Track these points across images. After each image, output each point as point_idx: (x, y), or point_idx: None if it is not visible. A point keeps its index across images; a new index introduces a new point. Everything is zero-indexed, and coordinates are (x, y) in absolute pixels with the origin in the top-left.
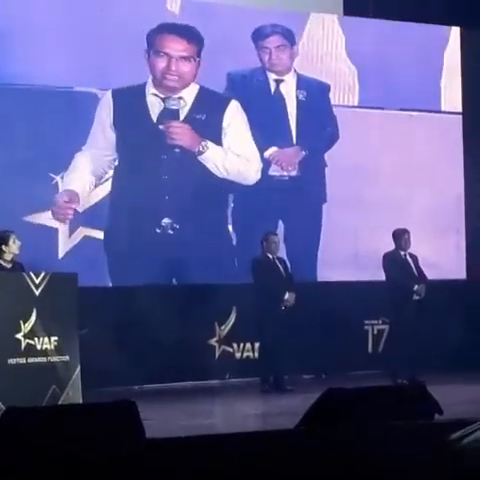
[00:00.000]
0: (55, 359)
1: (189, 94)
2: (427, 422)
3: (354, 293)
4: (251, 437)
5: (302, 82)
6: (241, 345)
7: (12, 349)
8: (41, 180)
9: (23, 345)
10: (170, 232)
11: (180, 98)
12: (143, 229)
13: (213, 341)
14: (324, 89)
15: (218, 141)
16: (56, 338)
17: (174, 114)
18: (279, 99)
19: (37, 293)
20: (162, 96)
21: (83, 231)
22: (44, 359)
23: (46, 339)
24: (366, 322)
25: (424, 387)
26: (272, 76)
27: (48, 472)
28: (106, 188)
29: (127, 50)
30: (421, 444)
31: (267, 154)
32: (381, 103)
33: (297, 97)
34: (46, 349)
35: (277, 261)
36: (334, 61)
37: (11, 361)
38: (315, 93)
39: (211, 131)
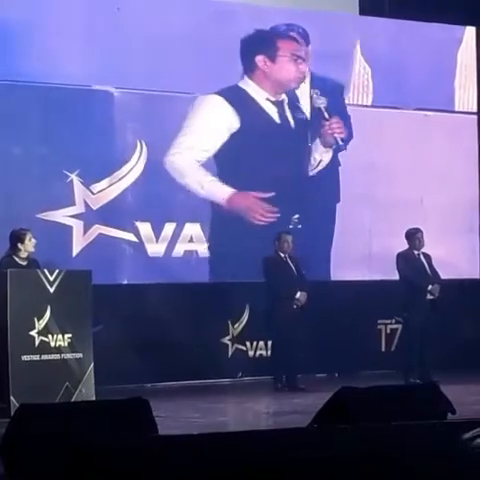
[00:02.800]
0: (68, 356)
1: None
2: (440, 421)
3: (367, 292)
4: (263, 435)
5: (316, 81)
6: (254, 343)
7: (26, 346)
8: (56, 177)
9: (37, 342)
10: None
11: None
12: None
13: (226, 339)
14: (338, 88)
15: None
16: (70, 335)
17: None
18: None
19: (51, 290)
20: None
21: (98, 229)
22: (58, 356)
23: (60, 336)
24: (379, 321)
25: (437, 386)
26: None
27: (61, 468)
28: (120, 186)
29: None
30: (434, 443)
31: None
32: (396, 103)
33: (311, 97)
34: (60, 346)
35: (289, 260)
36: (348, 60)
37: (25, 358)
38: (329, 92)
39: None
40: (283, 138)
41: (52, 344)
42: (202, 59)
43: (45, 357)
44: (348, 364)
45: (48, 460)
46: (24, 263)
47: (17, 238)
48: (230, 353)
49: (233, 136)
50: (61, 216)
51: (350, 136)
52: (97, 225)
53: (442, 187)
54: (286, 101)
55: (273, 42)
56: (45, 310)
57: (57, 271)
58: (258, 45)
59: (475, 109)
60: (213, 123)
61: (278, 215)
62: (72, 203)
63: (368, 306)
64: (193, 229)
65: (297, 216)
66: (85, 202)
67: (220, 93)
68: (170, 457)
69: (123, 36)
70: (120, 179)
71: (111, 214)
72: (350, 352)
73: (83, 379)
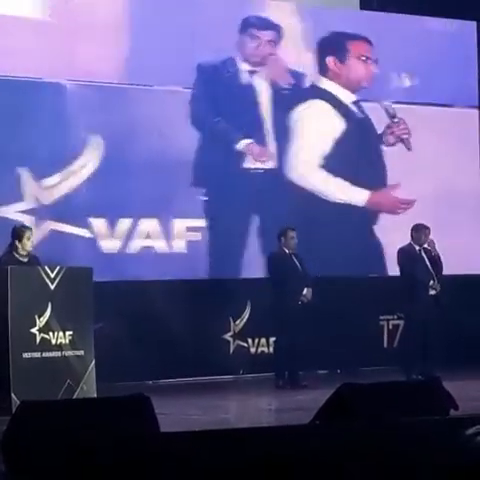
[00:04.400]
0: (70, 353)
1: None
2: (442, 417)
3: (369, 288)
4: (265, 432)
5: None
6: (256, 340)
7: (27, 343)
8: (5, 172)
9: (38, 339)
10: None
11: None
12: None
13: (228, 336)
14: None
15: None
16: (71, 332)
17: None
18: (253, 90)
19: (52, 287)
20: None
21: (50, 224)
22: (59, 353)
23: (61, 333)
24: (381, 317)
25: (439, 382)
26: (245, 67)
27: (62, 465)
28: (73, 181)
29: None
30: (436, 439)
31: (241, 146)
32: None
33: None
34: (61, 343)
35: (294, 257)
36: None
37: (26, 355)
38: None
39: None
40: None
41: (53, 341)
42: None
43: (46, 354)
44: (350, 360)
45: (49, 457)
46: (25, 260)
47: (16, 235)
48: (232, 350)
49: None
50: (13, 212)
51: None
52: (49, 221)
53: (444, 181)
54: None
55: (343, 44)
56: (46, 307)
57: (58, 268)
58: (329, 47)
59: (478, 104)
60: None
61: None
62: (22, 198)
63: (370, 302)
64: (150, 225)
65: None
66: (36, 197)
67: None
68: (172, 454)
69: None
70: (73, 174)
71: (64, 210)
72: (352, 348)
73: (84, 376)
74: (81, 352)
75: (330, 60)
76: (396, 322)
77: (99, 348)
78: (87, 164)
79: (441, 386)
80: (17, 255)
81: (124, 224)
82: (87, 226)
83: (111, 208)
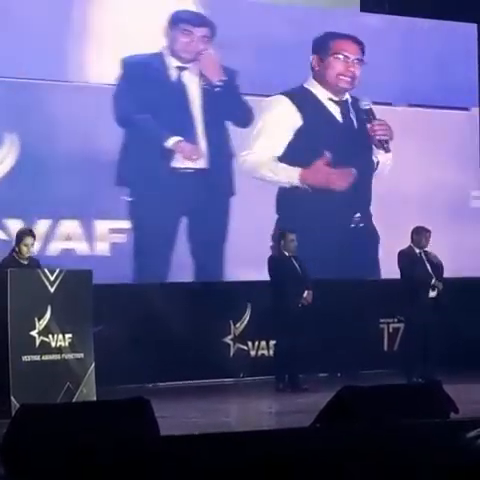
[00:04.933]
0: (69, 356)
1: None
2: (442, 420)
3: (369, 291)
4: (266, 435)
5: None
6: (256, 343)
7: (26, 346)
8: None
9: (37, 342)
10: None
11: None
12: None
13: (228, 339)
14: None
15: None
16: (70, 335)
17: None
18: (183, 87)
19: (52, 290)
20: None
21: None
22: (58, 356)
23: (60, 336)
24: (381, 320)
25: (440, 386)
26: (175, 62)
27: (62, 468)
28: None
29: None
30: (436, 442)
31: (169, 144)
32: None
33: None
34: (60, 346)
35: (293, 259)
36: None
37: (25, 358)
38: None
39: None
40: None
41: (53, 344)
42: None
43: (46, 357)
44: (350, 363)
45: (49, 460)
46: (25, 262)
47: (19, 238)
48: (232, 353)
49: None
50: None
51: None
52: None
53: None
54: (350, 101)
55: (326, 42)
56: (46, 310)
57: (58, 270)
58: (314, 45)
59: (478, 105)
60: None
61: None
62: None
63: (370, 305)
64: (70, 226)
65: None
66: None
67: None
68: (172, 457)
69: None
70: None
71: None
72: (352, 351)
73: (84, 379)
74: (81, 355)
75: (313, 58)
76: (396, 325)
77: (99, 351)
78: (2, 163)
79: (441, 389)
80: (17, 258)
81: (43, 225)
82: (2, 228)
83: (28, 209)
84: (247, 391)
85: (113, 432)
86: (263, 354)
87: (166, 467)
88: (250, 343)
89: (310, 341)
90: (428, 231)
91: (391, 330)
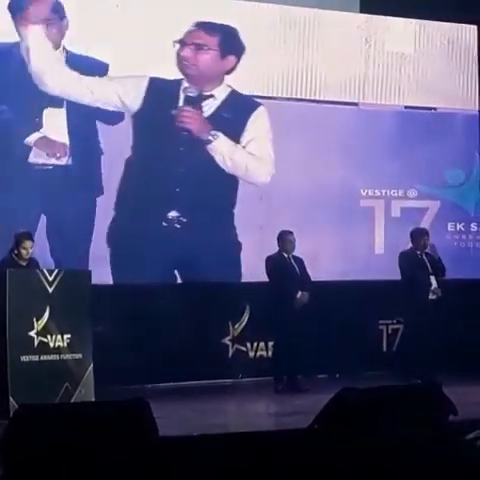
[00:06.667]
0: (68, 357)
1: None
2: (442, 422)
3: (369, 292)
4: (264, 436)
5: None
6: (254, 344)
7: (25, 347)
8: None
9: (36, 343)
10: (177, 226)
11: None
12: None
13: (226, 340)
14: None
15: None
16: (69, 336)
17: (190, 101)
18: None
19: (50, 290)
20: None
21: None
22: (57, 357)
23: (59, 337)
24: (381, 322)
25: (439, 387)
26: None
27: (60, 469)
28: None
29: None
30: (436, 445)
31: (29, 140)
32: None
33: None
34: (59, 347)
35: (292, 260)
36: None
37: (24, 359)
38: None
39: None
40: None
41: (51, 344)
42: None
43: (44, 358)
44: (349, 365)
45: (47, 461)
46: (24, 263)
47: (17, 241)
48: (230, 354)
49: None
50: None
51: None
52: None
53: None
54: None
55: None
56: (44, 310)
57: (56, 271)
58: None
59: (477, 107)
60: None
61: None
62: None
63: (369, 306)
64: None
65: None
66: None
67: None
68: (170, 458)
69: None
70: None
71: None
72: (351, 353)
73: (83, 380)
74: (79, 355)
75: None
76: (396, 327)
77: (97, 351)
78: None
79: (440, 391)
80: (16, 258)
81: None
82: None
83: None
84: (246, 392)
85: (112, 433)
86: (262, 355)
87: (165, 468)
88: (249, 344)
89: (309, 342)
90: (427, 233)
91: (390, 331)
